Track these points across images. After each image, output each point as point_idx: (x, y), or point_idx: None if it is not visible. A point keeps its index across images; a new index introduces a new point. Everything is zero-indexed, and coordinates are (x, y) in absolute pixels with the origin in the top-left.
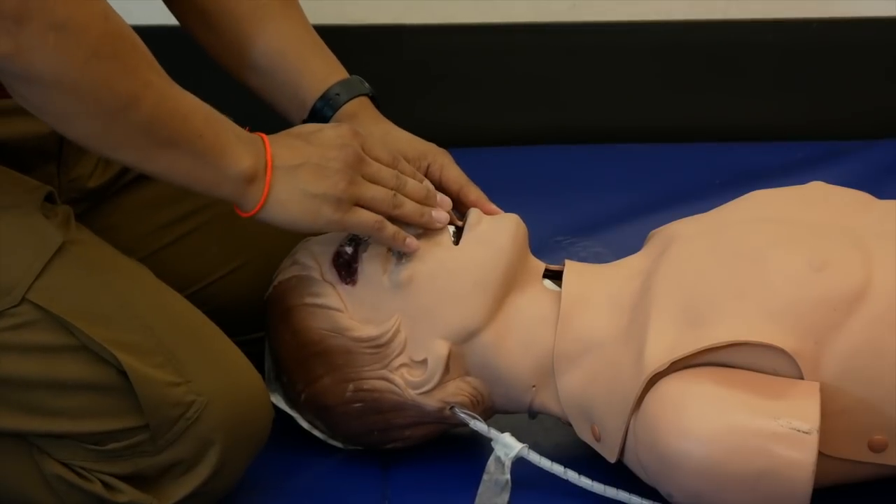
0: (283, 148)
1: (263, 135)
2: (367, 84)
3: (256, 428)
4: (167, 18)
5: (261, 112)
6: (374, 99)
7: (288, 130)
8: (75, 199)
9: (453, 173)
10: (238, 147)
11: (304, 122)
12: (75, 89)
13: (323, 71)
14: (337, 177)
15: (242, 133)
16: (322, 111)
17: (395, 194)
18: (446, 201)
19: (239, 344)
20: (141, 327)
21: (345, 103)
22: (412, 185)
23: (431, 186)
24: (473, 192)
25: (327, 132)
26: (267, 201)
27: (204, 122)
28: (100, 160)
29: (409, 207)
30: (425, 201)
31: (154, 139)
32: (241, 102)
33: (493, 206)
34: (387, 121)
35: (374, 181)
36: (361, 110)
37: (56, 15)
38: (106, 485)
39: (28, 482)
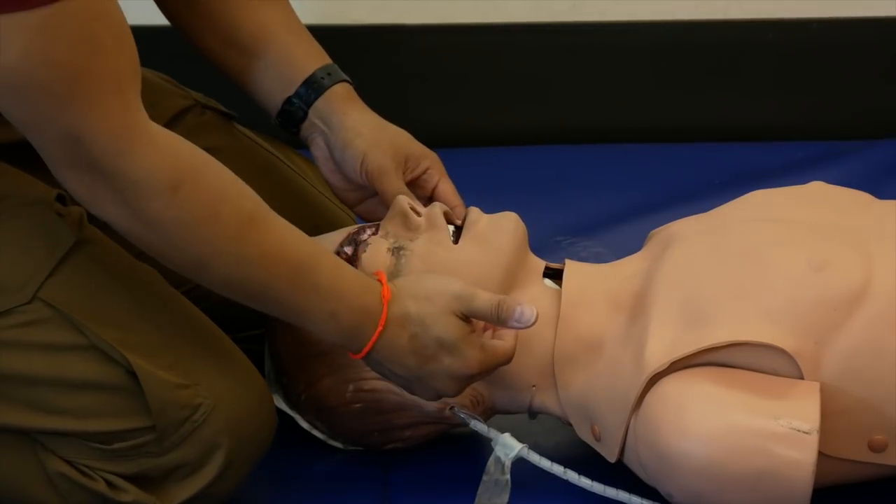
0: (387, 348)
1: (384, 316)
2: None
3: (261, 432)
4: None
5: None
6: (356, 90)
7: (420, 317)
8: None
9: (449, 190)
10: (327, 323)
11: (287, 99)
12: (146, 244)
13: (310, 54)
14: (443, 379)
15: (347, 310)
16: (308, 93)
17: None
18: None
19: (238, 341)
20: (150, 329)
21: (331, 86)
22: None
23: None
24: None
25: (443, 365)
26: (370, 352)
27: (290, 292)
28: None
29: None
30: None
31: (236, 295)
32: (243, 100)
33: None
34: (373, 112)
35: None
36: (350, 96)
37: (119, 183)
38: (110, 484)
39: (31, 479)
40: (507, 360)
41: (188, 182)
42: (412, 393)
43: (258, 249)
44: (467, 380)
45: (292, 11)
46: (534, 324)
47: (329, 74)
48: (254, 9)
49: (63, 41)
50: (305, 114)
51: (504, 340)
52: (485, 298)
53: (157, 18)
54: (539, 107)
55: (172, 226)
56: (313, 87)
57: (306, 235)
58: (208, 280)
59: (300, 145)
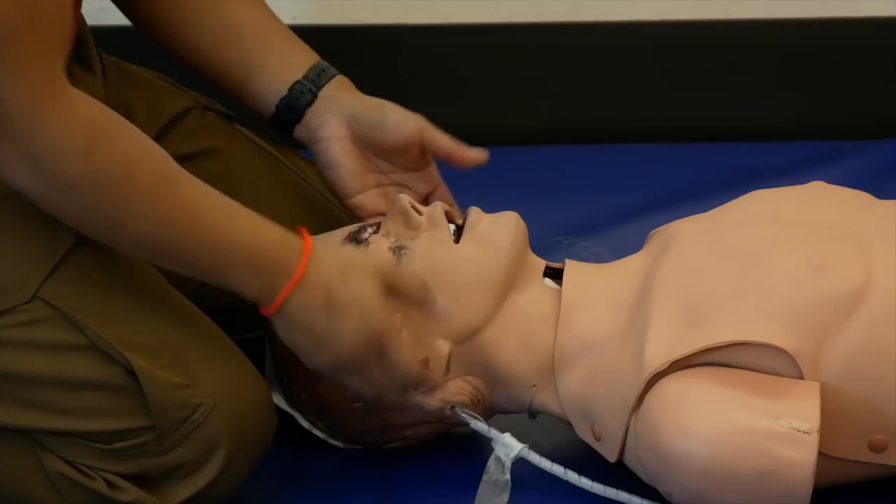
0: (299, 300)
1: (302, 264)
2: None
3: (261, 433)
4: None
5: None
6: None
7: (333, 275)
8: None
9: (442, 141)
10: (245, 275)
11: (295, 85)
12: (58, 208)
13: (306, 49)
14: (335, 356)
15: (263, 260)
16: (315, 78)
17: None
18: (444, 196)
19: (238, 342)
20: (150, 329)
21: (327, 83)
22: None
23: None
24: (440, 140)
25: (351, 322)
26: (272, 320)
27: (208, 251)
28: None
29: None
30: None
31: (152, 256)
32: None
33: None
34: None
35: None
36: (346, 86)
37: (30, 147)
38: (110, 483)
39: (31, 479)
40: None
41: (102, 143)
42: (308, 359)
43: (172, 209)
44: (370, 345)
45: (266, 8)
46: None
47: (325, 70)
48: (243, 9)
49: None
50: (314, 96)
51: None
52: (410, 273)
53: None
54: (539, 107)
55: (86, 188)
56: (322, 72)
57: (222, 195)
58: (123, 242)
59: (299, 145)
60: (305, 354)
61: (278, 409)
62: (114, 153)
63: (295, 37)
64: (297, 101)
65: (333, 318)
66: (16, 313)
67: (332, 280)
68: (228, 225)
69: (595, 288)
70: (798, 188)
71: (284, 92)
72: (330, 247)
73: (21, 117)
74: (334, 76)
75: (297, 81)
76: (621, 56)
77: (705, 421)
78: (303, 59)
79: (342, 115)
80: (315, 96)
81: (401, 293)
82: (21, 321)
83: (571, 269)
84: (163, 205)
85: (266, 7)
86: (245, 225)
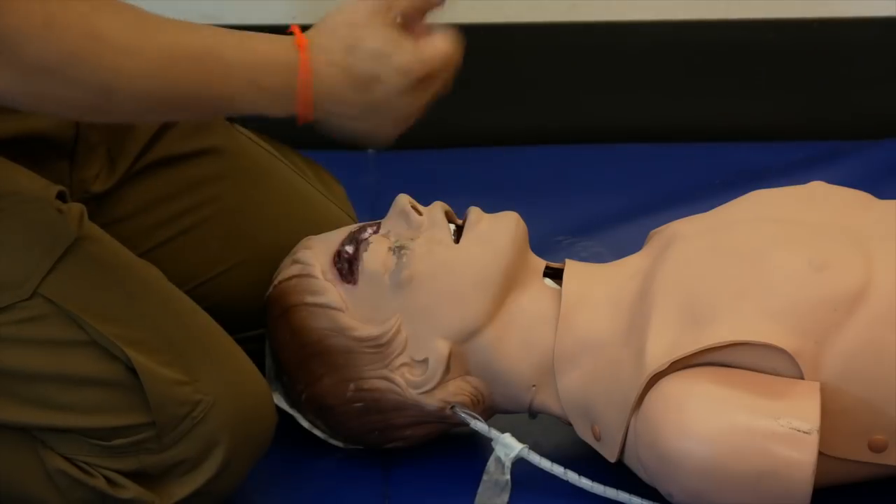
0: (324, 84)
1: (305, 60)
2: None
3: (261, 430)
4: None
5: None
6: None
7: (345, 49)
8: (81, 199)
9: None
10: (253, 94)
11: None
12: (38, 99)
13: None
14: (395, 96)
15: (264, 71)
16: None
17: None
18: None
19: (239, 341)
20: (150, 325)
21: None
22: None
23: None
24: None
25: (390, 92)
26: (316, 119)
27: (204, 82)
28: (105, 163)
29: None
30: None
31: (154, 110)
32: None
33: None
34: None
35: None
36: None
37: None
38: (109, 480)
39: (30, 476)
40: (447, 53)
41: (58, 12)
42: (377, 133)
43: (156, 52)
44: (419, 85)
45: None
46: None
47: None
48: None
49: None
50: None
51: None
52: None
53: None
54: (539, 107)
55: (62, 61)
56: None
57: (195, 23)
58: (121, 105)
59: (299, 145)
60: (372, 133)
61: (278, 408)
62: (73, 16)
63: None
64: None
65: (370, 90)
66: (16, 310)
67: (341, 60)
68: (218, 47)
69: (595, 288)
70: (798, 188)
71: None
72: (319, 24)
73: None
74: None
75: None
76: (621, 56)
77: (705, 421)
78: None
79: None
80: None
81: (403, 8)
82: (21, 318)
83: (571, 269)
84: (144, 52)
85: None
86: (235, 44)
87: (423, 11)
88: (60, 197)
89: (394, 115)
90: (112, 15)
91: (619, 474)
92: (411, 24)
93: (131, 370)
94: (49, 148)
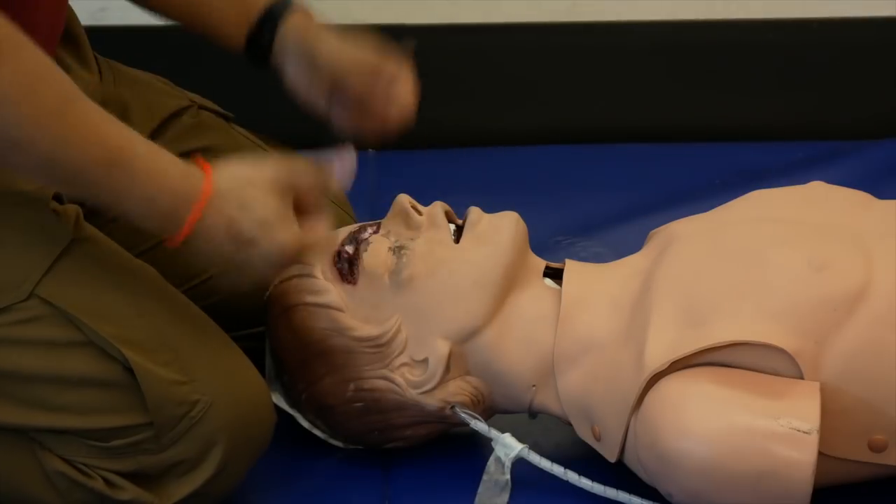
0: (205, 231)
1: (203, 200)
2: None
3: (259, 430)
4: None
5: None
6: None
7: (237, 199)
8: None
9: (403, 91)
10: (144, 207)
11: (251, 36)
12: None
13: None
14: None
15: (164, 192)
16: (265, 25)
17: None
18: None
19: (238, 339)
20: (147, 325)
21: (286, 13)
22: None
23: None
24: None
25: (259, 256)
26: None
27: (105, 176)
28: None
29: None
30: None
31: (54, 179)
32: (241, 101)
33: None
34: (334, 31)
35: None
36: (308, 22)
37: None
38: (108, 482)
39: (29, 478)
40: (323, 239)
41: (9, 57)
42: (229, 279)
43: (75, 130)
44: (282, 262)
45: None
46: (353, 166)
47: (279, 7)
48: None
49: None
50: (272, 38)
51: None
52: (301, 164)
53: (153, 19)
54: (539, 107)
55: None
56: (272, 17)
57: (123, 124)
58: (21, 163)
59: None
60: (225, 277)
61: (278, 408)
62: (20, 68)
63: None
64: (260, 44)
65: (242, 249)
66: (13, 311)
67: (231, 214)
68: (130, 150)
69: (595, 288)
70: (798, 188)
71: (243, 38)
72: (226, 171)
73: None
74: (281, 17)
75: (255, 24)
76: (621, 56)
77: (705, 421)
78: (254, 8)
79: (296, 57)
80: (273, 38)
81: (302, 183)
82: (18, 319)
83: (571, 268)
84: (65, 126)
85: None
86: (145, 156)
87: (319, 194)
88: (56, 198)
89: (251, 277)
90: (53, 81)
91: (619, 474)
92: (304, 203)
93: (129, 370)
94: None
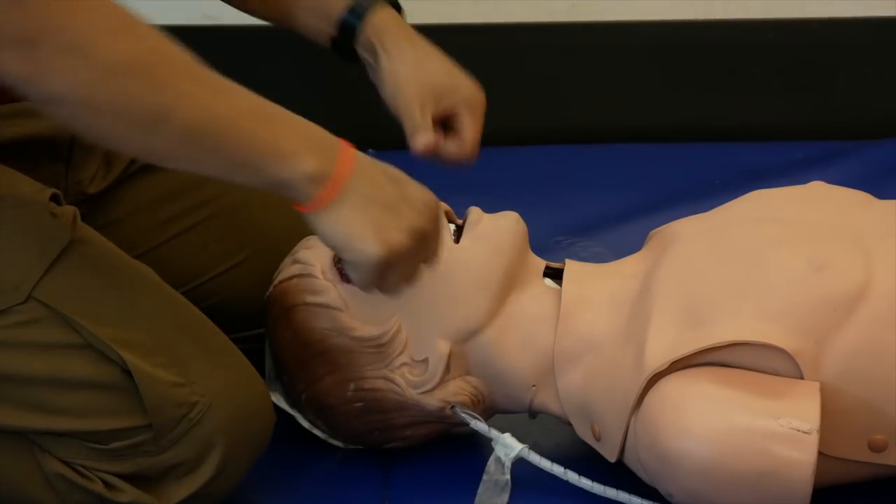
0: (363, 173)
1: (351, 146)
2: None
3: (258, 431)
4: (170, 19)
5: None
6: (396, 6)
7: (378, 163)
8: (76, 201)
9: (468, 131)
10: (301, 148)
11: (333, 39)
12: (100, 109)
13: None
14: (399, 231)
15: (316, 134)
16: (351, 23)
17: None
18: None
19: (237, 340)
20: (146, 327)
21: (370, 12)
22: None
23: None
24: (454, 157)
25: (414, 189)
26: (321, 211)
27: (257, 123)
28: (101, 164)
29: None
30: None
31: (199, 147)
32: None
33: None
34: (420, 39)
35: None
36: (393, 24)
37: (67, 36)
38: (107, 484)
39: (28, 480)
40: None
41: (134, 23)
42: (372, 237)
43: (216, 89)
44: (434, 206)
45: None
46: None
47: (360, 5)
48: None
49: None
50: (355, 51)
51: None
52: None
53: (159, 18)
54: (538, 107)
55: (130, 68)
56: (354, 13)
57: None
58: (170, 135)
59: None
60: (372, 238)
61: (278, 408)
62: (146, 33)
63: None
64: (344, 53)
65: (401, 184)
66: (11, 314)
67: (373, 160)
68: (270, 104)
69: (595, 288)
70: (798, 188)
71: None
72: None
73: (47, 12)
74: (364, 15)
75: (333, 37)
76: (621, 56)
77: (705, 421)
78: (335, 5)
79: (370, 70)
80: (354, 48)
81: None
82: (16, 321)
83: (571, 268)
84: (203, 83)
85: None
86: (283, 110)
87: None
88: (54, 200)
89: (400, 224)
90: (173, 45)
91: (619, 474)
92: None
93: (127, 373)
94: (45, 151)
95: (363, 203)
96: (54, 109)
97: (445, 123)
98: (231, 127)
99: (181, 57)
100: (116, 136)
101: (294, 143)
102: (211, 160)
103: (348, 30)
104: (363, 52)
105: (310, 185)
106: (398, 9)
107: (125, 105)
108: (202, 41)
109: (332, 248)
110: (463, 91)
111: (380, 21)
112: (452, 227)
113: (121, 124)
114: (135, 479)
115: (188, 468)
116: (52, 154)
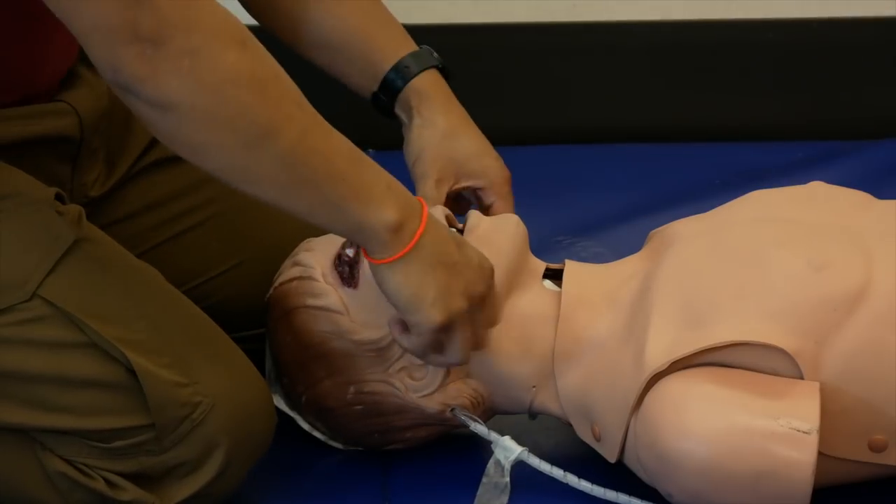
0: (436, 230)
1: (425, 205)
2: (436, 55)
3: (260, 432)
4: None
5: None
6: (444, 70)
7: (443, 224)
8: (79, 202)
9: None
10: (386, 197)
11: (374, 94)
12: (210, 117)
13: (392, 43)
14: (459, 297)
15: (396, 185)
16: (394, 82)
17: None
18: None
19: (238, 341)
20: (150, 327)
21: (415, 75)
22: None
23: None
24: None
25: (472, 251)
26: (393, 263)
27: (349, 164)
28: (103, 169)
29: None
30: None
31: (293, 176)
32: None
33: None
34: (459, 110)
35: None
36: (434, 90)
37: (193, 39)
38: (109, 483)
39: (30, 479)
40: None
41: (250, 38)
42: (433, 299)
43: (317, 120)
44: (491, 272)
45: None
46: None
47: (414, 61)
48: (329, 5)
49: None
50: (393, 108)
51: None
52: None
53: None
54: (538, 107)
55: (244, 84)
56: (400, 76)
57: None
58: (270, 156)
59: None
60: (434, 301)
61: (278, 410)
62: (261, 50)
63: (377, 28)
64: (383, 111)
65: (462, 247)
66: (15, 311)
67: (443, 224)
68: (355, 147)
69: (595, 288)
70: (798, 188)
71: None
72: None
73: (176, 9)
74: (410, 80)
75: (375, 93)
76: (621, 56)
77: (705, 421)
78: (379, 64)
79: (404, 130)
80: (393, 108)
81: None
82: (20, 319)
83: (571, 269)
84: (308, 113)
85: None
86: (368, 157)
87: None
88: (59, 199)
89: (461, 288)
90: (281, 69)
91: (620, 476)
92: None
93: (131, 372)
94: (53, 153)
95: (432, 262)
96: (161, 115)
97: (460, 196)
98: (327, 162)
99: (290, 82)
100: (219, 148)
101: (382, 191)
102: (301, 191)
103: (391, 88)
104: (400, 112)
105: (390, 234)
106: (446, 72)
107: (236, 117)
108: None
109: (397, 306)
110: (490, 175)
111: (422, 84)
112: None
113: (227, 136)
114: (137, 478)
115: (190, 468)
116: (60, 155)
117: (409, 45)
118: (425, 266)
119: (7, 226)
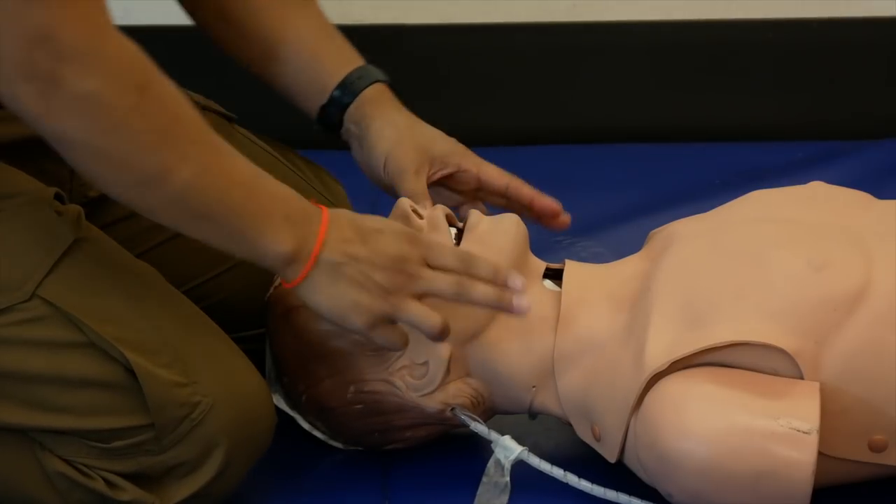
0: (335, 239)
1: (326, 211)
2: (382, 72)
3: (260, 432)
4: (167, 19)
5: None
6: (391, 87)
7: (353, 216)
8: (78, 203)
9: (493, 171)
10: (282, 228)
11: (323, 107)
12: (103, 156)
13: (341, 58)
14: (374, 295)
15: (295, 210)
16: (341, 98)
17: (460, 281)
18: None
19: (238, 341)
20: (149, 327)
21: (363, 89)
22: (483, 267)
23: (500, 266)
24: (525, 187)
25: (387, 237)
26: (301, 285)
27: (246, 197)
28: None
29: (482, 290)
30: (495, 280)
31: (187, 212)
32: (243, 102)
33: (549, 200)
34: (407, 111)
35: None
36: (382, 98)
37: (89, 83)
38: (108, 482)
39: (29, 479)
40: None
41: (154, 82)
42: (351, 301)
43: (216, 155)
44: (410, 241)
45: (321, 14)
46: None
47: (360, 78)
48: (280, 15)
49: None
50: (342, 121)
51: None
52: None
53: (158, 18)
54: (539, 107)
55: (138, 129)
56: (347, 91)
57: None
58: (163, 195)
59: (299, 145)
60: (350, 310)
61: (278, 409)
62: (164, 92)
63: (326, 43)
64: (330, 124)
65: (369, 240)
66: (14, 312)
67: (352, 215)
68: (259, 174)
69: (595, 288)
70: (798, 188)
71: (316, 115)
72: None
73: (77, 53)
74: (359, 93)
75: (324, 106)
76: (621, 56)
77: (705, 421)
78: (328, 77)
79: (357, 142)
80: (342, 120)
81: (436, 263)
82: (20, 319)
83: (571, 269)
84: (208, 150)
85: (295, 11)
86: (270, 179)
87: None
88: (58, 199)
89: (370, 286)
90: (190, 110)
91: (620, 476)
92: None
93: (130, 372)
94: (52, 153)
95: (337, 272)
96: (61, 148)
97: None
98: (222, 197)
99: (192, 118)
100: (113, 183)
101: (278, 222)
102: (198, 224)
103: (340, 102)
104: (350, 124)
105: (285, 264)
106: (391, 87)
107: (128, 157)
108: (201, 42)
109: (327, 320)
110: (458, 149)
111: (373, 94)
112: (453, 230)
113: (120, 174)
114: (136, 478)
115: (190, 468)
116: (59, 156)
117: (357, 60)
118: (332, 278)
119: (6, 226)
